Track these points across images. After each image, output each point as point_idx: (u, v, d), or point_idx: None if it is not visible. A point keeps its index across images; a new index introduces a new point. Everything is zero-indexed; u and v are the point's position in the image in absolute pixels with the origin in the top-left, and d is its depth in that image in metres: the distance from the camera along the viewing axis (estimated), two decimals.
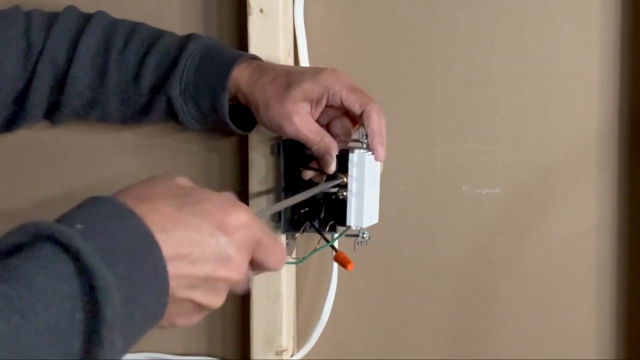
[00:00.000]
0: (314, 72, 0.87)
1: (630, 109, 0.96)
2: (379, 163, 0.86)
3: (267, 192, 0.96)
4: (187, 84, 0.89)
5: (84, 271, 0.50)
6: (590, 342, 1.01)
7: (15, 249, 0.50)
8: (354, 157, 0.85)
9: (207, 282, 0.58)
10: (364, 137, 0.85)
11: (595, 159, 0.98)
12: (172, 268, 0.55)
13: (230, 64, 0.88)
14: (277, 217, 0.94)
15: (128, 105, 0.92)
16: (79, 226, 0.52)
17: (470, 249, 1.01)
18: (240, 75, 0.88)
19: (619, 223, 0.98)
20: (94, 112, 0.94)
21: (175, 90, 0.89)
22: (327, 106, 0.86)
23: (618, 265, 0.99)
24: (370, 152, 0.85)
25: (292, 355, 1.01)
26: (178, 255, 0.56)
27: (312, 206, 0.91)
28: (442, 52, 0.98)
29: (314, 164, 0.89)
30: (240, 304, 1.04)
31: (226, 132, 0.98)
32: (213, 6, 1.01)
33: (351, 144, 0.88)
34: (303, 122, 0.86)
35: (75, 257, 0.50)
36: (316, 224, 0.91)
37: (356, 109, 0.85)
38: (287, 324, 0.99)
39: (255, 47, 0.94)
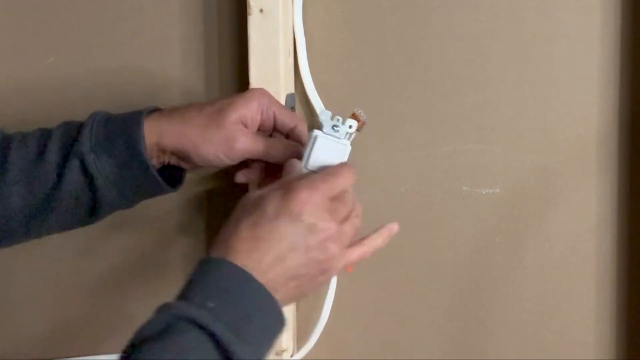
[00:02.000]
0: (243, 94, 0.87)
1: (630, 109, 0.96)
2: (344, 155, 0.83)
3: None
4: (97, 137, 0.83)
5: (221, 346, 0.65)
6: (590, 342, 1.01)
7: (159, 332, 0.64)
8: (312, 134, 0.83)
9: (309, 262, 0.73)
10: (344, 123, 0.83)
11: (595, 159, 0.98)
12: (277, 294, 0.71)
13: (139, 112, 0.84)
14: None
15: (34, 190, 0.83)
16: (210, 305, 0.66)
17: (470, 249, 1.01)
18: (157, 123, 0.84)
19: (619, 223, 0.98)
20: None
21: (85, 145, 0.82)
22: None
23: (618, 265, 0.99)
24: (335, 139, 0.83)
25: (292, 355, 1.01)
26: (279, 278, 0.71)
27: None
28: (442, 52, 0.98)
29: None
30: None
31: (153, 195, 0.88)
32: (213, 6, 1.01)
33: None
34: (252, 139, 0.85)
35: (211, 335, 0.65)
36: None
37: (289, 123, 0.87)
38: (287, 324, 0.98)
39: (255, 47, 0.94)
